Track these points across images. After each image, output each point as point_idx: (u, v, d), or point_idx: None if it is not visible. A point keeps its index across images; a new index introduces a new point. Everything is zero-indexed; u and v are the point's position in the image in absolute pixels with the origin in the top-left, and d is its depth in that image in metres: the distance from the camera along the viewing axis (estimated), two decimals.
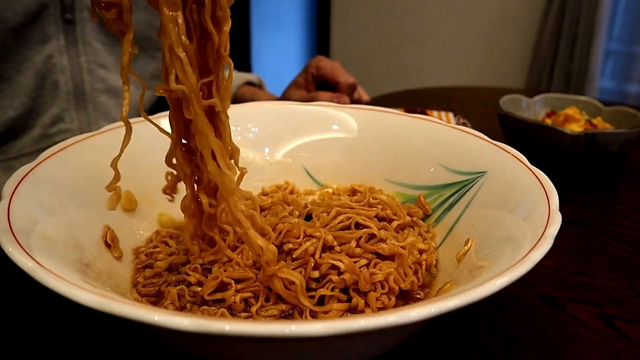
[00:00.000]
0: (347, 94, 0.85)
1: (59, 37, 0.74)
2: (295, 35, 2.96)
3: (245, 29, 2.58)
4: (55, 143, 0.45)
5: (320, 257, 0.39)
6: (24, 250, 0.30)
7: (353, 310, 0.37)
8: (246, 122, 0.56)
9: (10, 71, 0.72)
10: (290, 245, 0.39)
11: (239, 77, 1.00)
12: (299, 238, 0.40)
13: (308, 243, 0.39)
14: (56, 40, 0.74)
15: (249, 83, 1.01)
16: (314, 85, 0.89)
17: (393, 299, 0.39)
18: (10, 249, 0.30)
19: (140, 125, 0.51)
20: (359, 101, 0.87)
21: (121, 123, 0.49)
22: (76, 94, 0.77)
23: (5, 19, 0.69)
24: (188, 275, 0.39)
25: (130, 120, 0.50)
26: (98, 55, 0.79)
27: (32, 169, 0.40)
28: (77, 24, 0.75)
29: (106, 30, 0.79)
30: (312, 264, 0.38)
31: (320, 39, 2.98)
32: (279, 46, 2.88)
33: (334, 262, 0.38)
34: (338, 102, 0.80)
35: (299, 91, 0.89)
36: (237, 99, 1.00)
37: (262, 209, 0.47)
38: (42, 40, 0.73)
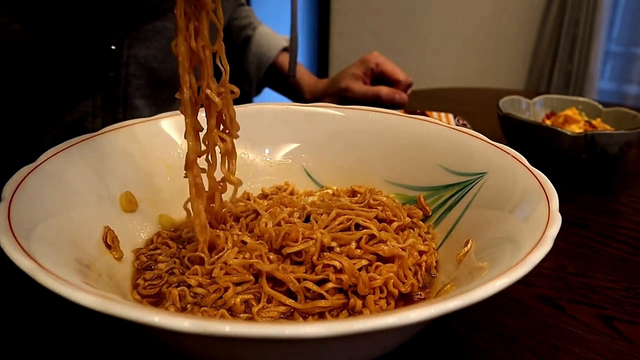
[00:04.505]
0: (405, 92, 0.93)
1: (96, 97, 0.65)
2: None
3: None
4: None
5: (319, 258, 0.39)
6: (24, 251, 0.30)
7: (351, 311, 0.38)
8: (246, 123, 0.56)
9: (36, 129, 0.65)
10: (288, 250, 0.40)
11: (272, 40, 0.98)
12: (297, 241, 0.40)
13: (306, 245, 0.39)
14: (92, 100, 0.65)
15: (285, 49, 1.00)
16: (370, 79, 0.95)
17: (392, 303, 0.39)
18: (10, 250, 0.30)
19: (140, 125, 0.51)
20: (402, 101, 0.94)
21: (120, 124, 0.50)
22: None
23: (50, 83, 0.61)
24: (189, 278, 0.39)
25: (130, 121, 0.51)
26: (138, 114, 0.69)
27: (33, 169, 0.39)
28: (121, 81, 0.66)
29: (153, 83, 0.70)
30: (310, 265, 0.39)
31: (320, 38, 2.98)
32: None
33: (330, 263, 0.38)
34: (398, 98, 0.89)
35: (358, 82, 0.94)
36: (276, 68, 0.98)
37: (259, 212, 0.47)
38: (75, 99, 0.63)
